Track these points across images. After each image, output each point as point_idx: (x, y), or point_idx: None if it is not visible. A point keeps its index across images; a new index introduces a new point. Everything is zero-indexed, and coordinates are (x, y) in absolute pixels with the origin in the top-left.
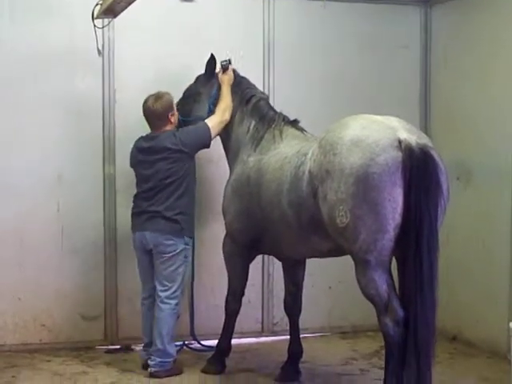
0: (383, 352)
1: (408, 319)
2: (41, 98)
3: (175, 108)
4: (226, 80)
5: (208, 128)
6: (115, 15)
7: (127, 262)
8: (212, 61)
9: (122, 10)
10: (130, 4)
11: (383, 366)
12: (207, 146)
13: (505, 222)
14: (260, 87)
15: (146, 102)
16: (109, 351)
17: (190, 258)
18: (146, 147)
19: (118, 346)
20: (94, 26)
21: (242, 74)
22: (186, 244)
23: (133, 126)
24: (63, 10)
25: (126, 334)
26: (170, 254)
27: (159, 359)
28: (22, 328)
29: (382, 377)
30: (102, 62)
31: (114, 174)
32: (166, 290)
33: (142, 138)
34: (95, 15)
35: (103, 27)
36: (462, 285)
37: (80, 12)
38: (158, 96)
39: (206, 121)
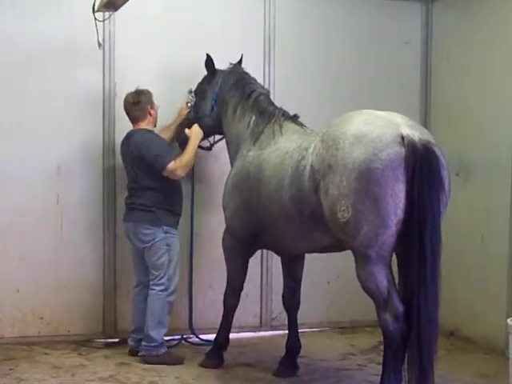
0: (381, 347)
1: (409, 315)
2: (41, 91)
3: (155, 104)
4: (192, 135)
5: (165, 163)
6: (116, 8)
7: (126, 255)
8: (209, 60)
9: (123, 4)
10: None
11: (381, 361)
12: (157, 171)
13: (504, 218)
14: (260, 82)
15: (126, 97)
16: (107, 344)
17: (175, 247)
18: (122, 146)
19: (117, 339)
20: (95, 19)
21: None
22: (166, 232)
23: None
24: (64, 4)
25: (124, 327)
26: (150, 243)
27: (144, 343)
28: (20, 320)
29: (380, 372)
30: (102, 55)
31: (114, 167)
32: (152, 278)
33: (126, 134)
34: (96, 8)
35: (104, 20)
36: (460, 281)
37: (81, 5)
38: (137, 91)
39: (171, 161)
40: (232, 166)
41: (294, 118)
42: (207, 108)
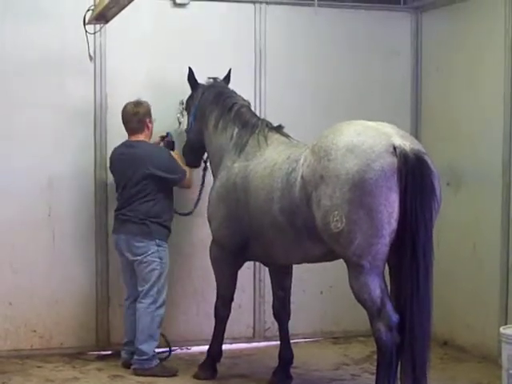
0: (375, 357)
1: (402, 324)
2: (32, 103)
3: (152, 117)
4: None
5: (183, 174)
6: (107, 21)
7: (119, 267)
8: (190, 74)
9: (114, 16)
10: (121, 10)
11: (375, 371)
12: (172, 181)
13: (495, 227)
14: (252, 93)
15: (125, 107)
16: (100, 357)
17: (167, 260)
18: (123, 154)
19: (110, 352)
20: (86, 31)
21: (233, 80)
22: (158, 245)
23: (124, 131)
24: (55, 16)
25: (117, 340)
26: (143, 256)
27: (136, 357)
28: (12, 334)
29: (374, 382)
30: (93, 67)
31: (106, 179)
32: (142, 291)
33: (121, 144)
34: (87, 21)
35: (95, 33)
36: (452, 290)
37: (72, 17)
38: (137, 102)
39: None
40: (214, 177)
41: (279, 129)
42: (189, 122)
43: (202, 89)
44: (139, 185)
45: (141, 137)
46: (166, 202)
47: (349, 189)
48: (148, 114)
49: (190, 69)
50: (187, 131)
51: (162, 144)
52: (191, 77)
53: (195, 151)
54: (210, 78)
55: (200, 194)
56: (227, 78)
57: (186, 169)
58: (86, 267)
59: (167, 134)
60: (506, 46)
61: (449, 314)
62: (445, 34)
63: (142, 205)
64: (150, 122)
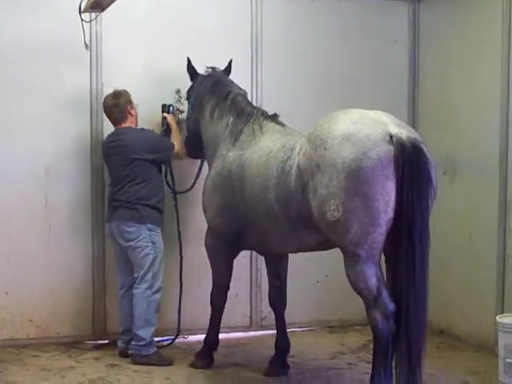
0: (371, 346)
1: (398, 313)
2: (28, 92)
3: (134, 103)
4: (169, 120)
5: (172, 146)
6: (103, 9)
7: (114, 256)
8: (189, 65)
9: (110, 4)
10: None
11: (371, 360)
12: (161, 158)
13: (491, 216)
14: (248, 83)
15: (104, 100)
16: (97, 346)
17: (160, 245)
18: (110, 142)
19: (106, 341)
20: (82, 19)
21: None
22: (150, 230)
23: None
24: (51, 4)
25: (113, 329)
26: (135, 241)
27: (133, 342)
28: (9, 323)
29: (370, 371)
30: (89, 55)
31: (102, 167)
32: (137, 277)
33: (109, 134)
34: (82, 9)
35: (90, 21)
36: (449, 279)
37: (67, 5)
38: (115, 93)
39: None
40: (209, 166)
41: (274, 117)
42: (188, 112)
43: (201, 78)
44: (127, 169)
45: (126, 125)
46: (155, 184)
47: (345, 177)
48: (128, 102)
49: (188, 59)
50: (187, 120)
51: (166, 119)
52: (190, 67)
53: (195, 141)
54: (208, 67)
55: (198, 173)
56: (228, 69)
57: (175, 141)
58: (83, 257)
59: (168, 107)
60: (504, 36)
61: (445, 303)
62: (442, 24)
63: (131, 188)
64: (132, 108)
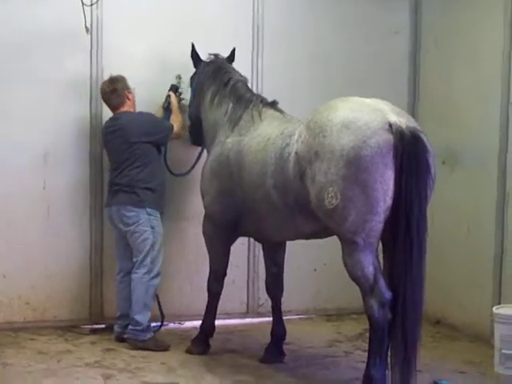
0: (367, 335)
1: (395, 301)
2: (28, 76)
3: (131, 88)
4: (172, 100)
5: (171, 126)
6: None
7: (113, 241)
8: (193, 51)
9: None
10: None
11: (367, 348)
12: (161, 139)
13: (490, 207)
14: (249, 70)
15: (101, 87)
16: (93, 330)
17: (159, 229)
18: (109, 127)
19: (103, 325)
20: (82, 3)
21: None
22: (149, 214)
23: None
24: None
25: (110, 313)
26: (134, 225)
27: (130, 327)
28: (6, 306)
29: (366, 359)
30: (90, 40)
31: (101, 153)
32: (136, 261)
33: (108, 119)
34: None
35: (91, 5)
36: (446, 269)
37: None
38: (111, 79)
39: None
40: (208, 152)
41: (273, 104)
42: (190, 98)
43: (203, 65)
44: (127, 153)
45: (124, 109)
46: (154, 167)
47: (344, 165)
48: (125, 87)
49: (192, 45)
50: (189, 107)
51: (170, 97)
52: (194, 53)
53: (197, 128)
54: (211, 54)
55: (198, 157)
56: (231, 57)
57: (175, 120)
58: (81, 241)
59: (176, 88)
60: (506, 25)
61: (442, 293)
62: (444, 9)
63: (131, 171)
64: (130, 92)
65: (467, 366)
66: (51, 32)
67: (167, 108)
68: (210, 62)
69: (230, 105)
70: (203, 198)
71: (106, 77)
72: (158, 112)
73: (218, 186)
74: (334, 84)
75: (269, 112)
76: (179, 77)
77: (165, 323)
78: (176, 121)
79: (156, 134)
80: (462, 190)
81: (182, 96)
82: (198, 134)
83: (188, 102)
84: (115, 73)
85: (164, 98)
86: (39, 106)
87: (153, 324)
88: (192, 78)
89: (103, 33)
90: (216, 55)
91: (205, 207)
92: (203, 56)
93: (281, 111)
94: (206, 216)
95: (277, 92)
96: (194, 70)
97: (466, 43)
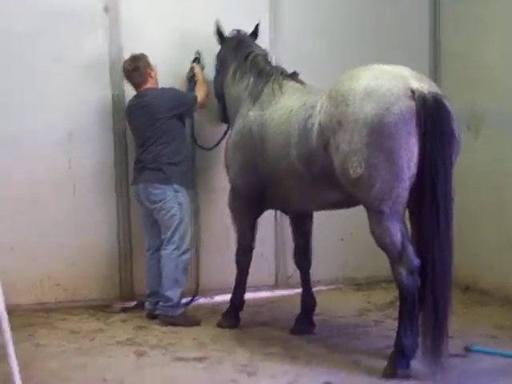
0: (397, 303)
1: (423, 268)
2: (49, 56)
3: (152, 65)
4: (197, 70)
5: (194, 97)
6: None
7: (140, 218)
8: (217, 28)
9: None
10: None
11: (398, 316)
12: (187, 111)
13: None
14: (266, 37)
15: (123, 65)
16: (124, 308)
17: (186, 206)
18: (134, 105)
19: (134, 303)
20: None
21: (250, 28)
22: (176, 191)
23: None
24: None
25: (141, 291)
26: (161, 203)
27: (161, 303)
28: (37, 287)
29: (397, 327)
30: (109, 19)
31: (124, 130)
32: (164, 238)
33: (132, 97)
34: None
35: None
36: (475, 233)
37: None
38: (133, 57)
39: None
40: (231, 126)
41: (294, 76)
42: (215, 75)
43: (226, 41)
44: (152, 129)
45: (147, 86)
46: (180, 143)
47: (367, 133)
48: (147, 64)
49: (217, 22)
50: (214, 84)
51: (194, 69)
52: (218, 30)
53: (223, 105)
54: (234, 30)
55: (226, 132)
56: (254, 33)
57: (200, 91)
58: (108, 220)
59: (198, 60)
60: None
61: (472, 257)
62: None
63: (156, 147)
64: (152, 70)
65: (498, 330)
66: (70, 11)
67: (191, 79)
68: (232, 37)
69: (251, 79)
70: (227, 171)
71: (125, 55)
72: (182, 84)
73: (242, 159)
74: (354, 52)
75: (289, 84)
76: (198, 52)
77: (195, 298)
78: (200, 90)
79: (181, 106)
80: (487, 153)
81: (204, 69)
82: (225, 111)
83: (210, 77)
84: (134, 51)
85: (188, 71)
86: (62, 86)
87: (183, 300)
88: (217, 55)
89: (122, 11)
90: (238, 31)
91: (230, 181)
92: (227, 32)
93: (302, 82)
94: (231, 189)
95: (296, 63)
96: (213, 45)
97: (489, 4)
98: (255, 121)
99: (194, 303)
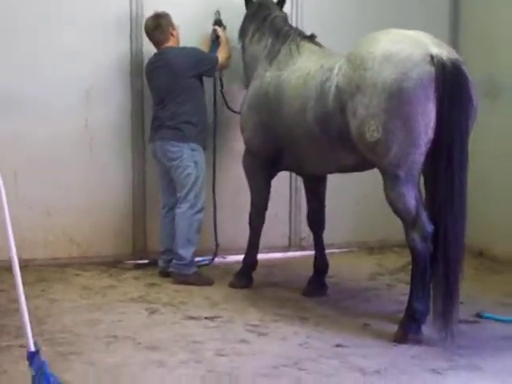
0: (409, 268)
1: (437, 234)
2: (67, 14)
3: (175, 24)
4: (220, 33)
5: (215, 57)
6: None
7: (155, 176)
8: None
9: None
10: None
11: (409, 281)
12: (207, 71)
13: None
14: (288, 5)
15: (146, 22)
16: (137, 265)
17: (202, 165)
18: (154, 62)
19: (147, 261)
20: None
21: None
22: (193, 150)
23: None
24: None
25: (154, 248)
26: (178, 160)
27: (174, 261)
28: (51, 243)
29: (408, 292)
30: None
31: (142, 89)
32: (179, 196)
33: (152, 55)
34: None
35: None
36: (490, 200)
37: None
38: (156, 15)
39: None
40: (248, 87)
41: (311, 38)
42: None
43: (249, 5)
44: (171, 87)
45: (168, 45)
46: (198, 102)
47: (385, 98)
48: (169, 23)
49: None
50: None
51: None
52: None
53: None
54: None
55: None
56: (281, 1)
57: (222, 53)
58: (123, 177)
59: (220, 22)
60: None
61: (485, 224)
62: None
63: (174, 105)
64: (174, 29)
65: (509, 298)
66: None
67: (214, 41)
68: (255, 2)
69: (269, 40)
70: (243, 132)
71: (146, 13)
72: (202, 43)
73: (257, 120)
74: (372, 16)
75: (307, 46)
76: (218, 12)
77: (214, 257)
78: (222, 52)
79: (201, 66)
80: (504, 121)
81: (226, 29)
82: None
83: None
84: (155, 8)
85: (211, 32)
86: (79, 43)
87: (197, 258)
88: (243, 20)
89: None
90: None
91: (244, 141)
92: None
93: (319, 45)
94: (246, 150)
95: (316, 26)
96: (236, 5)
97: None
98: (271, 82)
99: (205, 262)
